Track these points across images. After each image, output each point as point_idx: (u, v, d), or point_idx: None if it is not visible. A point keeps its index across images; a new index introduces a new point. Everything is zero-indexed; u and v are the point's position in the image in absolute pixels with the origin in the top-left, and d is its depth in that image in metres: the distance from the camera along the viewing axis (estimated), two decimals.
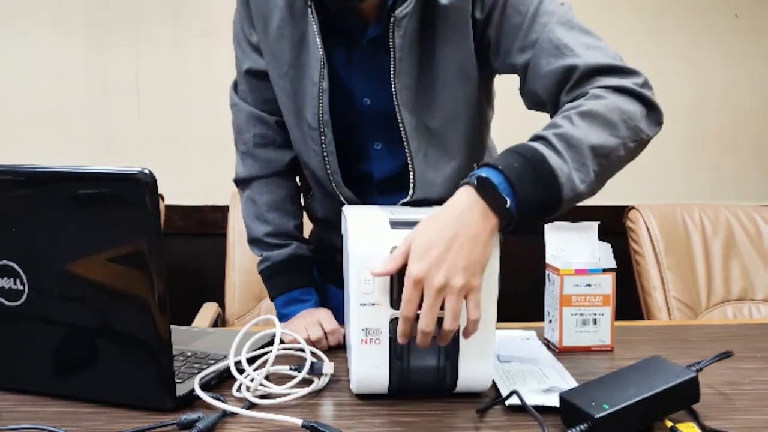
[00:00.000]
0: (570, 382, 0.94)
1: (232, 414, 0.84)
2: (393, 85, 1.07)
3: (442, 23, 1.06)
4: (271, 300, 1.25)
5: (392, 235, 0.87)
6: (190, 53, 2.21)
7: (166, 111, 2.22)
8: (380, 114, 1.12)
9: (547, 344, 1.14)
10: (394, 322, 0.86)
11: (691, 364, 0.90)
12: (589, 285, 1.10)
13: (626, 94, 0.96)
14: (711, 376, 0.98)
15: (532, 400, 0.85)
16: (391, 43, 1.05)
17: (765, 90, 2.39)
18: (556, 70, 1.00)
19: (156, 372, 0.84)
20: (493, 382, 0.94)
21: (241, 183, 1.27)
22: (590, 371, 1.01)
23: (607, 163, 0.92)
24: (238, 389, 0.91)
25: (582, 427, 0.77)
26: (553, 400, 0.85)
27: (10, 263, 0.87)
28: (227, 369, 0.93)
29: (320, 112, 1.10)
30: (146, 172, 0.79)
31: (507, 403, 0.87)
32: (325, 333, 1.11)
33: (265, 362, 0.93)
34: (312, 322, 1.13)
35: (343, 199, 1.15)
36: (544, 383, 0.94)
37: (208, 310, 1.92)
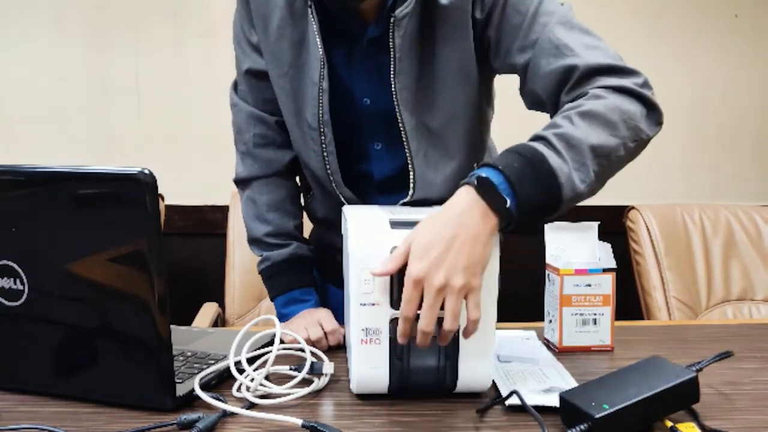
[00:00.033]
0: (570, 382, 0.94)
1: (232, 414, 0.84)
2: (393, 85, 1.07)
3: (442, 23, 1.06)
4: (271, 300, 1.25)
5: (392, 235, 0.87)
6: (190, 53, 2.21)
7: (166, 111, 2.22)
8: (380, 114, 1.12)
9: (547, 344, 1.14)
10: (394, 322, 0.86)
11: (691, 364, 0.90)
12: (589, 285, 1.10)
13: (626, 94, 0.96)
14: (711, 376, 0.98)
15: (532, 400, 0.85)
16: (391, 43, 1.05)
17: (765, 90, 2.39)
18: (556, 70, 1.00)
19: (156, 372, 0.84)
20: (493, 382, 0.94)
21: (241, 183, 1.27)
22: (590, 371, 1.01)
23: (607, 163, 0.92)
24: (238, 389, 0.91)
25: (582, 427, 0.77)
26: (553, 400, 0.85)
27: (10, 263, 0.87)
28: (227, 369, 0.93)
29: (320, 112, 1.10)
30: (146, 172, 0.79)
31: (507, 403, 0.87)
32: (325, 333, 1.11)
33: (265, 362, 0.93)
34: (312, 322, 1.13)
35: (343, 199, 1.15)
36: (544, 383, 0.94)
37: (208, 310, 1.92)
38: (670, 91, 2.26)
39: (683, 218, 1.93)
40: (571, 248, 1.13)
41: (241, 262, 1.85)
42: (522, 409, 0.84)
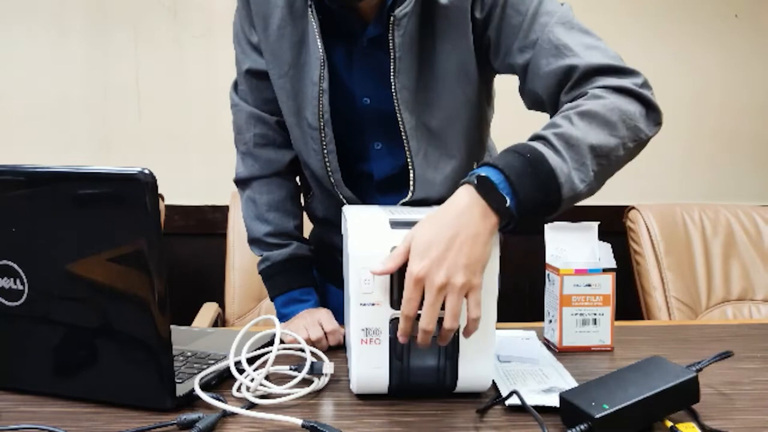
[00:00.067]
0: (570, 382, 0.94)
1: (232, 414, 0.84)
2: (393, 85, 1.07)
3: (442, 23, 1.06)
4: (271, 300, 1.25)
5: (392, 235, 0.87)
6: (190, 53, 2.21)
7: (166, 111, 2.22)
8: (380, 113, 1.12)
9: (547, 344, 1.14)
10: (394, 322, 0.86)
11: (691, 364, 0.90)
12: (589, 285, 1.10)
13: (626, 94, 0.96)
14: (711, 376, 0.98)
15: (532, 400, 0.85)
16: (390, 43, 1.05)
17: (765, 90, 2.39)
18: (555, 70, 1.00)
19: (156, 372, 0.84)
20: (493, 382, 0.94)
21: (241, 183, 1.27)
22: (590, 371, 1.01)
23: (607, 162, 0.92)
24: (238, 389, 0.91)
25: (582, 427, 0.77)
26: (553, 400, 0.85)
27: (10, 263, 0.87)
28: (227, 369, 0.93)
29: (320, 111, 1.10)
30: (146, 172, 0.79)
31: (507, 403, 0.87)
32: (325, 333, 1.11)
33: (265, 362, 0.93)
34: (312, 322, 1.13)
35: (343, 198, 1.15)
36: (544, 383, 0.94)
37: (208, 310, 1.92)
38: (670, 91, 2.26)
39: (683, 218, 1.93)
40: (571, 248, 1.13)
41: (241, 262, 1.85)
42: (522, 409, 0.84)
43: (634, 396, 0.80)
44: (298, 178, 1.30)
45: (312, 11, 1.07)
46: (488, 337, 0.89)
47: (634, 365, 0.87)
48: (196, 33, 2.20)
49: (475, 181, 0.85)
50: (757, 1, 2.35)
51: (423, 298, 0.81)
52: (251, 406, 0.87)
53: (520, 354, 1.05)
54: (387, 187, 1.19)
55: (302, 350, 0.99)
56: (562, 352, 1.10)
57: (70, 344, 0.87)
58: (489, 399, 0.89)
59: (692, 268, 1.89)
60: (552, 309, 1.13)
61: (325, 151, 1.13)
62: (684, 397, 0.84)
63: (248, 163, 1.25)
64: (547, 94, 1.02)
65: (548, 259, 1.14)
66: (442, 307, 0.82)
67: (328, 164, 1.14)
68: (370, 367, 0.88)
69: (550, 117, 1.00)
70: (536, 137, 0.91)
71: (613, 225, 1.81)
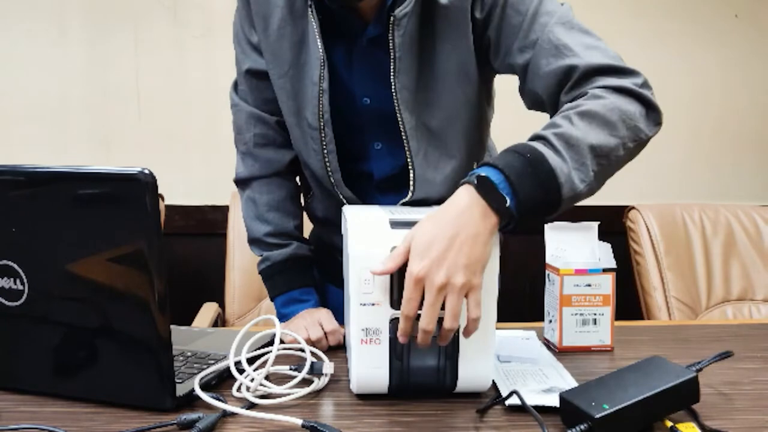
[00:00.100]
0: (570, 382, 0.94)
1: (232, 414, 0.84)
2: (393, 85, 1.07)
3: (442, 23, 1.06)
4: (271, 300, 1.25)
5: (392, 235, 0.87)
6: (190, 53, 2.21)
7: (166, 111, 2.22)
8: (380, 113, 1.12)
9: (547, 344, 1.14)
10: (394, 322, 0.86)
11: (691, 364, 0.90)
12: (589, 285, 1.10)
13: (625, 94, 0.96)
14: (711, 376, 0.98)
15: (532, 400, 0.85)
16: (390, 43, 1.05)
17: (765, 90, 2.39)
18: (555, 70, 1.00)
19: (156, 372, 0.84)
20: (493, 382, 0.94)
21: (241, 183, 1.27)
22: (590, 371, 1.01)
23: (607, 162, 0.92)
24: (238, 389, 0.91)
25: (582, 427, 0.77)
26: (553, 400, 0.85)
27: (10, 263, 0.87)
28: (227, 369, 0.93)
29: (320, 111, 1.10)
30: (146, 172, 0.79)
31: (507, 403, 0.87)
32: (325, 333, 1.11)
33: (265, 362, 0.93)
34: (312, 322, 1.13)
35: (343, 198, 1.15)
36: (544, 383, 0.94)
37: (208, 310, 1.92)
38: (670, 91, 2.26)
39: (683, 218, 1.93)
40: (571, 248, 1.13)
41: (241, 262, 1.85)
42: (522, 409, 0.84)
43: (634, 396, 0.80)
44: (298, 178, 1.30)
45: (312, 11, 1.07)
46: (488, 337, 0.89)
47: (634, 365, 0.87)
48: (196, 33, 2.20)
49: (475, 181, 0.85)
50: (757, 1, 2.35)
51: (423, 298, 0.81)
52: (251, 406, 0.87)
53: (520, 354, 1.05)
54: (387, 187, 1.19)
55: (302, 350, 0.99)
56: (562, 352, 1.10)
57: (70, 344, 0.87)
58: (489, 399, 0.89)
59: (692, 268, 1.89)
60: (552, 309, 1.13)
61: (325, 151, 1.13)
62: (684, 397, 0.84)
63: (248, 163, 1.25)
64: (547, 94, 1.02)
65: (548, 259, 1.14)
66: (442, 307, 0.82)
67: (328, 164, 1.14)
68: (370, 367, 0.88)
69: (550, 117, 1.00)
70: (536, 137, 0.91)
71: (613, 225, 1.81)
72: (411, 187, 1.12)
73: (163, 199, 1.99)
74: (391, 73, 1.07)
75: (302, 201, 1.31)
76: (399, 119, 1.09)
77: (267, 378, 0.92)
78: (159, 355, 0.83)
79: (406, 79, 1.08)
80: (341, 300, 1.08)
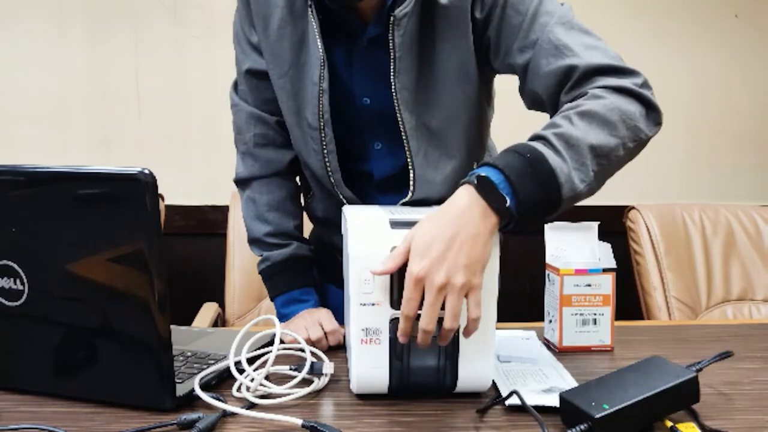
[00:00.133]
0: (570, 382, 0.94)
1: (232, 414, 0.84)
2: (393, 85, 1.07)
3: (442, 23, 1.06)
4: (271, 300, 1.25)
5: (392, 235, 0.87)
6: (190, 53, 2.21)
7: (166, 111, 2.22)
8: (380, 113, 1.12)
9: (547, 344, 1.14)
10: (394, 322, 0.86)
11: (691, 364, 0.90)
12: (589, 285, 1.10)
13: (625, 94, 0.96)
14: (711, 376, 0.98)
15: (532, 400, 0.85)
16: (390, 43, 1.05)
17: (765, 90, 2.39)
18: (555, 70, 1.00)
19: (156, 372, 0.84)
20: (493, 382, 0.94)
21: (241, 183, 1.27)
22: (590, 371, 1.01)
23: (607, 162, 0.92)
24: (238, 389, 0.91)
25: (582, 427, 0.77)
26: (553, 400, 0.85)
27: (10, 263, 0.87)
28: (227, 369, 0.93)
29: (320, 111, 1.10)
30: (146, 172, 0.79)
31: (507, 403, 0.87)
32: (325, 333, 1.11)
33: (265, 362, 0.93)
34: (312, 322, 1.13)
35: (343, 198, 1.15)
36: (544, 383, 0.94)
37: (208, 310, 1.92)
38: (670, 91, 2.26)
39: (683, 218, 1.93)
40: (571, 248, 1.13)
41: (241, 262, 1.85)
42: (522, 409, 0.84)
43: (634, 396, 0.80)
44: (298, 178, 1.30)
45: (312, 11, 1.07)
46: (488, 337, 0.89)
47: (634, 365, 0.87)
48: (196, 33, 2.20)
49: (475, 181, 0.85)
50: (757, 1, 2.35)
51: (423, 298, 0.81)
52: (251, 406, 0.87)
53: (520, 354, 1.05)
54: (387, 187, 1.19)
55: (302, 350, 0.99)
56: (562, 352, 1.10)
57: (70, 344, 0.87)
58: (489, 399, 0.89)
59: (692, 268, 1.89)
60: (552, 309, 1.13)
61: (325, 151, 1.13)
62: (684, 397, 0.84)
63: (248, 163, 1.25)
64: (547, 94, 1.02)
65: (548, 259, 1.14)
66: (442, 307, 0.82)
67: (328, 164, 1.14)
68: (370, 367, 0.88)
69: (550, 117, 1.00)
70: (536, 137, 0.91)
71: (613, 225, 1.81)
72: (411, 187, 1.12)
73: (163, 199, 1.99)
74: (391, 73, 1.07)
75: (302, 201, 1.31)
76: (399, 119, 1.09)
77: (267, 378, 0.92)
78: (159, 355, 0.83)
79: (406, 79, 1.08)
80: (341, 300, 1.08)
